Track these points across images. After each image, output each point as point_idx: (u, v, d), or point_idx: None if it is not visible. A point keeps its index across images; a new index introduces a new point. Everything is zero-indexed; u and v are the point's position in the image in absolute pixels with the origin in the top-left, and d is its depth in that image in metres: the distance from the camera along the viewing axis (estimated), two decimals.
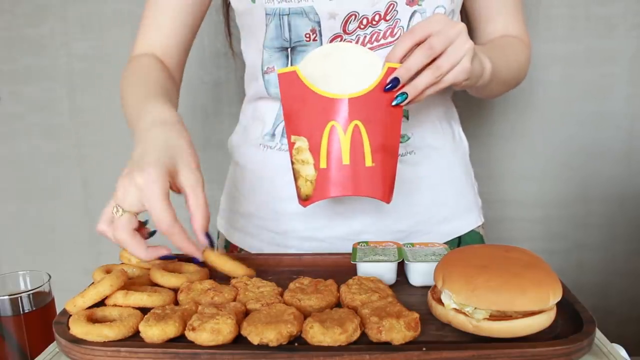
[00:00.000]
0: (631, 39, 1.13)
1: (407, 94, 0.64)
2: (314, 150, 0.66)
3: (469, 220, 0.86)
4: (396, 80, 0.64)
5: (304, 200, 0.67)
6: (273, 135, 0.80)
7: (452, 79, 0.64)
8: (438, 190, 0.82)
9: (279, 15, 0.71)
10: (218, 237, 0.92)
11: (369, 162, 0.66)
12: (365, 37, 0.72)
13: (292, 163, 0.68)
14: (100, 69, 1.20)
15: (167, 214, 0.60)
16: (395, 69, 0.64)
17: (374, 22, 0.71)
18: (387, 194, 0.67)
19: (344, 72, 0.67)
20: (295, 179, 0.68)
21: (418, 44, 0.63)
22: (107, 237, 0.62)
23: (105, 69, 1.19)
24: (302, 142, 0.67)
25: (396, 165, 0.67)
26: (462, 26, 0.63)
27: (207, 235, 0.64)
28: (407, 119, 0.78)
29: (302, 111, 0.66)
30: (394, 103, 0.65)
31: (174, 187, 0.64)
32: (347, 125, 0.66)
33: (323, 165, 0.66)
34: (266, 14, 0.72)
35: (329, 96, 0.66)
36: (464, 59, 0.63)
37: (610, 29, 1.13)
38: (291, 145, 0.67)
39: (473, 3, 0.83)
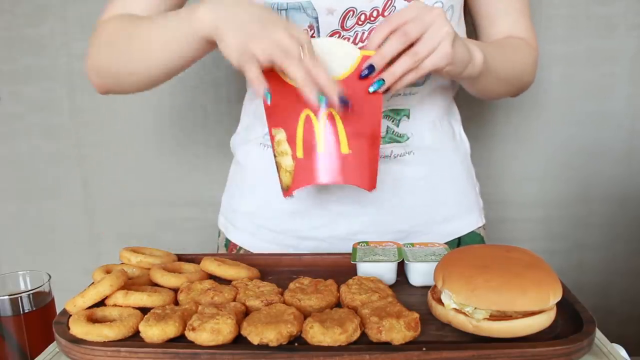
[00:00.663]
0: (632, 38, 1.13)
1: (384, 80, 0.64)
2: (291, 141, 0.66)
3: (470, 221, 0.86)
4: (371, 67, 0.64)
5: (286, 190, 0.68)
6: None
7: (431, 65, 0.63)
8: (438, 191, 0.82)
9: (277, 10, 0.70)
10: (219, 236, 0.92)
11: (345, 149, 0.66)
12: (363, 33, 0.71)
13: (275, 156, 0.68)
14: None
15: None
16: (369, 56, 0.64)
17: (371, 18, 0.71)
18: (366, 181, 0.66)
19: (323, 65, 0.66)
20: (278, 172, 0.68)
21: (394, 32, 0.63)
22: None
23: None
24: (281, 135, 0.67)
25: (377, 152, 0.67)
26: (439, 11, 0.63)
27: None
28: (408, 118, 0.78)
29: (279, 104, 0.66)
30: (370, 89, 0.65)
31: None
32: (320, 114, 0.66)
33: (299, 154, 0.66)
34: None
35: None
36: (443, 44, 0.62)
37: (610, 28, 1.12)
38: (272, 138, 0.67)
39: (478, 4, 0.82)
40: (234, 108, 1.16)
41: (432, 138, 0.80)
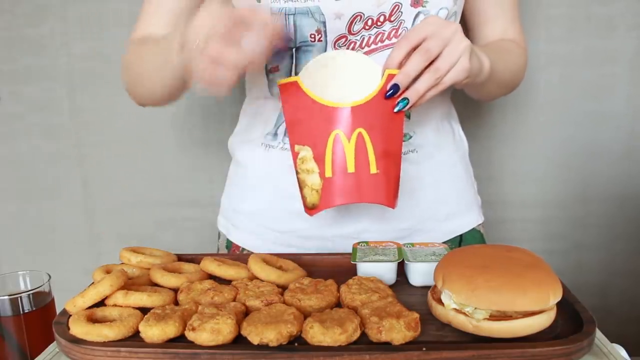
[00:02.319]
0: (631, 39, 1.13)
1: (408, 99, 0.65)
2: (319, 159, 0.67)
3: (470, 218, 0.87)
4: (396, 87, 0.65)
5: (311, 209, 0.68)
6: (275, 134, 0.80)
7: (452, 79, 0.64)
8: (440, 189, 0.83)
9: (285, 14, 0.71)
10: (219, 238, 0.92)
11: (373, 169, 0.66)
12: (369, 37, 0.72)
13: (297, 173, 0.68)
14: (100, 69, 1.19)
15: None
16: (394, 75, 0.65)
17: (378, 23, 0.71)
18: (392, 199, 0.67)
19: (342, 80, 0.68)
20: (301, 188, 0.68)
21: (414, 48, 0.64)
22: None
23: (105, 69, 1.19)
24: (306, 152, 0.67)
25: (399, 170, 0.68)
26: (457, 26, 0.64)
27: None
28: (409, 118, 0.78)
29: (305, 121, 0.67)
30: (396, 109, 0.66)
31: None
32: (350, 133, 0.66)
33: (328, 174, 0.67)
34: (271, 14, 0.72)
35: (331, 105, 0.66)
36: (462, 58, 0.63)
37: (610, 29, 1.12)
38: (295, 154, 0.68)
39: (471, 6, 0.83)
40: (234, 108, 1.16)
41: (434, 137, 0.81)
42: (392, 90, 0.65)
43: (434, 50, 0.63)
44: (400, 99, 0.65)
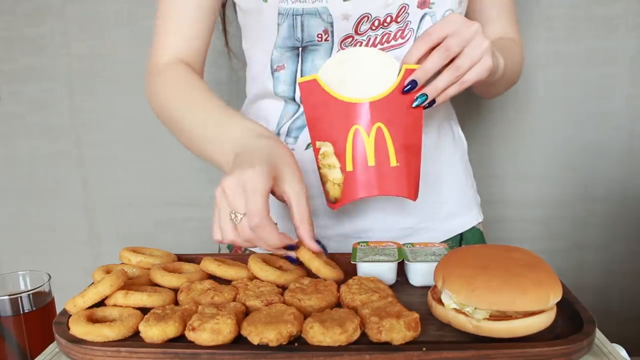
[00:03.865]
0: (632, 39, 1.13)
1: (426, 95, 0.66)
2: (340, 154, 0.68)
3: (470, 217, 0.87)
4: (414, 82, 0.65)
5: (333, 203, 0.69)
6: (277, 134, 0.80)
7: (474, 78, 0.65)
8: (440, 188, 0.83)
9: (292, 15, 0.71)
10: None
11: (393, 162, 0.67)
12: (376, 38, 0.72)
13: (319, 168, 0.69)
14: (100, 69, 1.19)
15: (264, 207, 0.58)
16: (412, 70, 0.65)
17: (385, 24, 0.71)
18: (412, 192, 0.68)
19: (360, 76, 0.68)
20: (323, 183, 0.69)
21: (435, 46, 0.64)
22: (235, 243, 0.61)
23: (105, 69, 1.19)
24: (327, 147, 0.68)
25: (420, 163, 0.69)
26: (478, 26, 0.64)
27: (318, 242, 0.64)
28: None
29: (325, 117, 0.68)
30: (414, 105, 0.66)
31: (276, 194, 0.64)
32: (370, 128, 0.67)
33: (349, 168, 0.68)
34: (279, 14, 0.72)
35: (350, 101, 0.67)
36: (485, 57, 0.64)
37: (611, 29, 1.12)
38: (316, 150, 0.69)
39: (473, 8, 0.84)
40: (234, 108, 1.16)
41: (435, 137, 0.82)
42: (410, 86, 0.66)
43: (455, 49, 0.63)
44: (419, 94, 0.66)
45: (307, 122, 0.69)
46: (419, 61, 0.66)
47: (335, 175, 0.68)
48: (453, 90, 0.66)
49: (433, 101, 0.67)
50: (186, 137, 0.74)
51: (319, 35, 0.72)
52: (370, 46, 0.73)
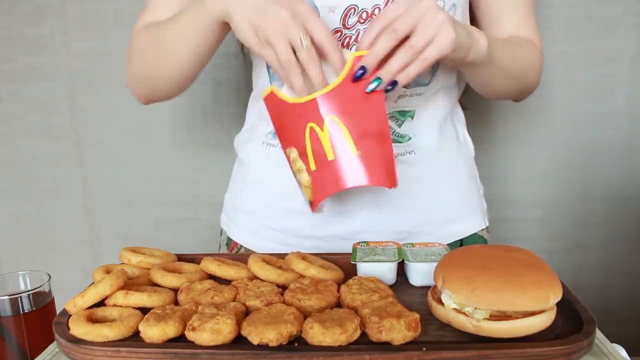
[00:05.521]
0: (632, 39, 1.13)
1: (380, 78, 0.64)
2: (303, 156, 0.67)
3: (472, 223, 0.85)
4: (363, 68, 0.64)
5: (310, 205, 0.68)
6: (275, 133, 0.80)
7: (436, 53, 0.62)
8: (440, 191, 0.82)
9: None
10: (221, 234, 0.92)
11: (354, 151, 0.66)
12: (364, 31, 0.71)
13: (294, 175, 0.69)
14: (100, 69, 1.19)
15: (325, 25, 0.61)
16: (361, 57, 0.64)
17: (373, 16, 0.71)
18: (384, 179, 0.66)
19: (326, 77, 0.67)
20: (300, 189, 0.69)
21: (384, 30, 0.63)
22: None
23: (105, 69, 1.19)
24: (294, 153, 0.68)
25: (390, 148, 0.67)
26: (429, 2, 0.62)
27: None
28: (412, 119, 0.78)
29: (286, 123, 0.68)
30: (368, 89, 0.65)
31: None
32: (322, 123, 0.66)
33: (313, 167, 0.67)
34: None
35: (299, 101, 0.66)
36: (444, 30, 0.61)
37: (610, 29, 1.12)
38: (288, 158, 0.69)
39: (478, 5, 0.82)
40: (234, 108, 1.16)
41: (435, 139, 0.80)
42: (360, 72, 0.64)
43: (402, 29, 0.61)
44: (372, 78, 0.64)
45: (276, 133, 0.70)
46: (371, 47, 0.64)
47: (304, 177, 0.68)
48: (414, 69, 0.63)
49: (395, 83, 0.64)
50: (169, 42, 0.73)
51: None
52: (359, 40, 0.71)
